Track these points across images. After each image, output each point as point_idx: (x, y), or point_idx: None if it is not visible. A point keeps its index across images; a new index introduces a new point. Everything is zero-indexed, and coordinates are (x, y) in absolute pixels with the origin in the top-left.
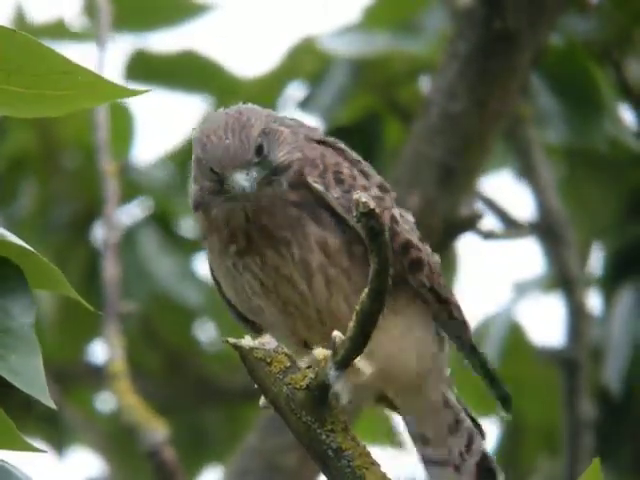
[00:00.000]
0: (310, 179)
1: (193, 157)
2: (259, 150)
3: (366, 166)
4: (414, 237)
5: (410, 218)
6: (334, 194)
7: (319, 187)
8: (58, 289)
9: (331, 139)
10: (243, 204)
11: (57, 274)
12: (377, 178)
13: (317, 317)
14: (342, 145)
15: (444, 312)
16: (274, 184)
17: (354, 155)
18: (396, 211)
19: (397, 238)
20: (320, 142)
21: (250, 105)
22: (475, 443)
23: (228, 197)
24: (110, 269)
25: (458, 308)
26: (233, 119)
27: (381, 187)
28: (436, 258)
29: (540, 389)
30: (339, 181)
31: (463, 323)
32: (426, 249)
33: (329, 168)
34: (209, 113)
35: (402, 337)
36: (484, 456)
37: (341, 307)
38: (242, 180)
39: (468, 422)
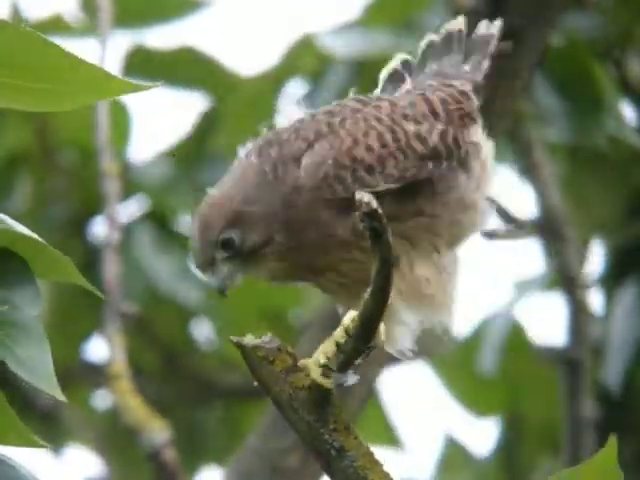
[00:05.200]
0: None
1: None
2: (226, 244)
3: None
4: None
5: None
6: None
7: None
8: (67, 278)
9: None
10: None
11: (66, 263)
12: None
13: None
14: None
15: None
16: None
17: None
18: None
19: None
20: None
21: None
22: None
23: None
24: (111, 269)
25: None
26: (199, 217)
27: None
28: None
29: (541, 388)
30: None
31: None
32: None
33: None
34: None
35: None
36: None
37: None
38: (211, 280)
39: None
